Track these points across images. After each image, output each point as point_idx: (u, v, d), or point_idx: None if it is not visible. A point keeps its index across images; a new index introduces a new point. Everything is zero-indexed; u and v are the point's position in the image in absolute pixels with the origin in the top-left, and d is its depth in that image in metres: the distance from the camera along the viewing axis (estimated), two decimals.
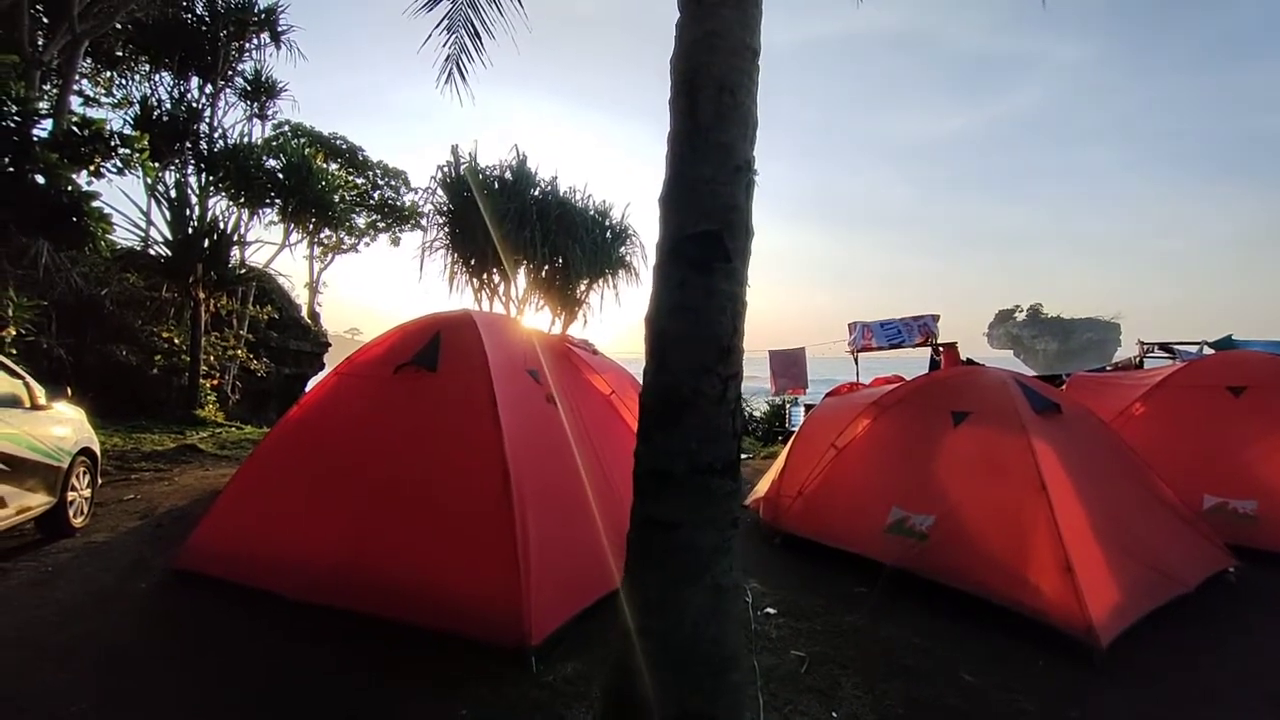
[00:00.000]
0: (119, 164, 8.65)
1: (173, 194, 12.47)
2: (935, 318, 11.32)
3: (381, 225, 20.77)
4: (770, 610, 4.14)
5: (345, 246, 20.96)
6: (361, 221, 20.04)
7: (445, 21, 5.57)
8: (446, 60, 5.69)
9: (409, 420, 4.13)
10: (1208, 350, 9.25)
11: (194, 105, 13.69)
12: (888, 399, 5.49)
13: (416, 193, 20.02)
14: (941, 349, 10.89)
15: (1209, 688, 3.39)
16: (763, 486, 6.24)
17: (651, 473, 2.08)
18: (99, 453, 5.59)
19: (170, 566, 4.20)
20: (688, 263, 2.08)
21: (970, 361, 9.76)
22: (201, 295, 12.20)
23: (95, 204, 8.20)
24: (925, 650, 3.65)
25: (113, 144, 8.44)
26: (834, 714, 3.00)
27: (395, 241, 21.10)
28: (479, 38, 5.70)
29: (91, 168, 8.35)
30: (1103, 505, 4.24)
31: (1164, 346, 10.08)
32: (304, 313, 19.40)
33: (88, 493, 5.31)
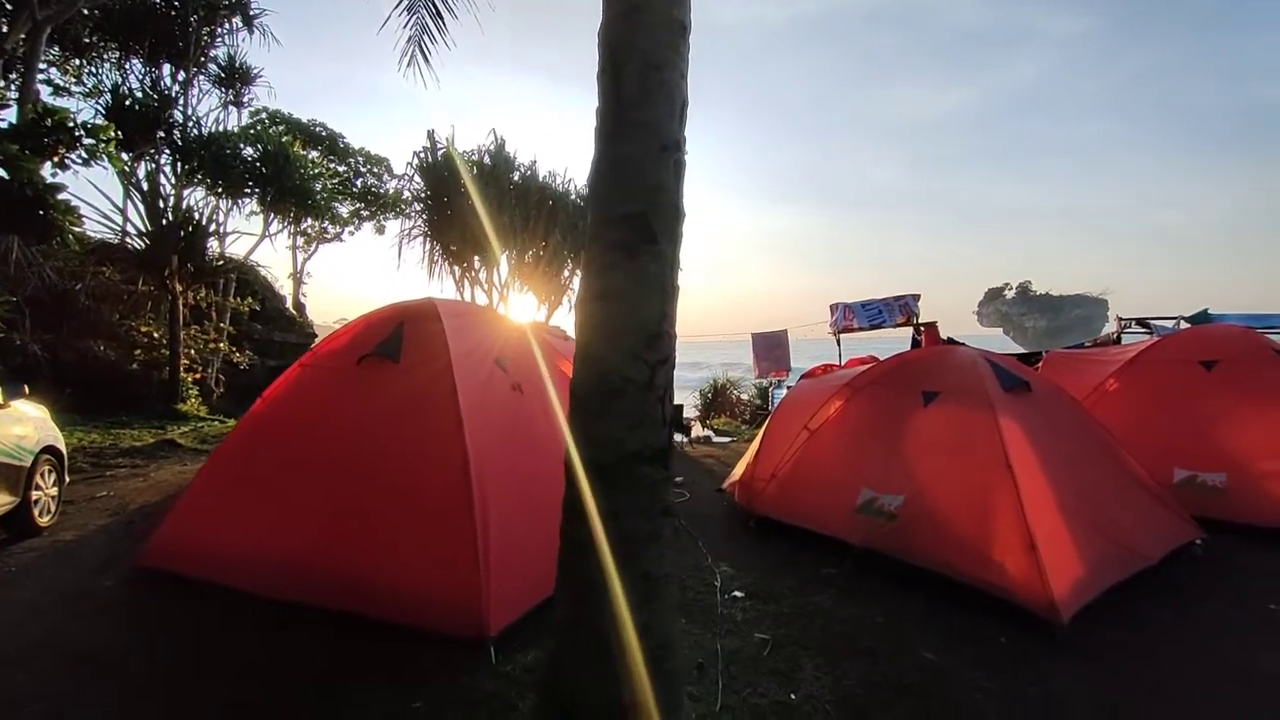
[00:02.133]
0: (84, 154, 8.46)
1: (145, 185, 12.26)
2: (916, 297, 11.29)
3: (365, 214, 20.51)
4: (738, 593, 4.13)
5: (329, 236, 20.68)
6: (344, 210, 19.76)
7: (405, 1, 5.45)
8: (408, 42, 5.56)
9: (371, 411, 4.08)
10: (1184, 325, 9.28)
11: (166, 93, 13.40)
12: (860, 380, 5.46)
13: (400, 180, 19.76)
14: (922, 328, 10.88)
15: (1171, 660, 3.40)
16: (738, 470, 6.24)
17: (580, 462, 2.04)
18: (65, 450, 5.52)
19: (135, 564, 4.16)
20: (613, 246, 2.02)
21: (951, 340, 9.76)
22: (179, 288, 12.05)
23: (61, 196, 8.03)
24: (890, 630, 3.65)
25: (77, 134, 8.25)
26: (792, 695, 3.00)
27: (380, 230, 20.85)
28: (440, 18, 5.56)
29: (56, 159, 8.17)
30: (1070, 482, 4.23)
31: (1141, 322, 10.11)
32: (289, 304, 19.23)
33: (54, 491, 5.25)
